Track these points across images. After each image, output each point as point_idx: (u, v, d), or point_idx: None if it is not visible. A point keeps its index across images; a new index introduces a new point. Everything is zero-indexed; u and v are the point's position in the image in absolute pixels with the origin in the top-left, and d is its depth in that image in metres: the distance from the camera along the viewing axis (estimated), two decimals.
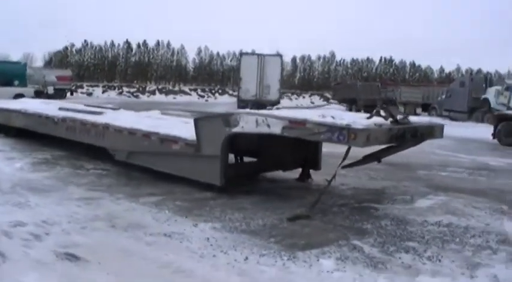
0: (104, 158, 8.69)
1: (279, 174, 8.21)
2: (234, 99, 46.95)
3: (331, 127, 5.63)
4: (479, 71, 62.77)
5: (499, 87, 27.50)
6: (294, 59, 70.32)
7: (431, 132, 6.94)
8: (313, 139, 6.04)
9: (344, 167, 6.49)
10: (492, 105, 27.12)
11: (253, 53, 24.86)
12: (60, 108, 11.05)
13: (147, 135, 7.80)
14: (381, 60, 70.53)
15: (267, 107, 8.09)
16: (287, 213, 5.94)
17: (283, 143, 7.17)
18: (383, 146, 6.82)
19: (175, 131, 7.69)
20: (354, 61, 70.41)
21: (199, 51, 70.55)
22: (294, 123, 5.94)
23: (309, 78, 70.69)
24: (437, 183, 8.72)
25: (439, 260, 4.70)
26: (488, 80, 30.51)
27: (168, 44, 69.03)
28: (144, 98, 46.38)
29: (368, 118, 6.19)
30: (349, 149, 6.01)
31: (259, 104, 24.13)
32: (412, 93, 37.22)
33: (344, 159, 6.18)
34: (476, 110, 28.60)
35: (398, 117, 6.31)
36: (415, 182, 8.71)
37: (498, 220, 6.36)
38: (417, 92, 37.44)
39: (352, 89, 37.73)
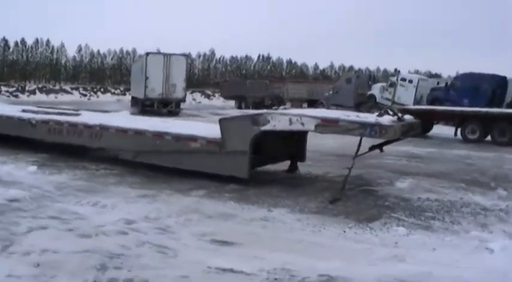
0: (98, 158, 9.13)
1: (268, 167, 9.16)
2: (117, 98, 46.89)
3: (363, 124, 6.81)
4: (351, 68, 68.91)
5: (383, 84, 31.07)
6: None
7: (417, 127, 8.45)
8: (346, 134, 7.14)
9: (355, 156, 7.74)
10: (378, 100, 30.65)
11: (159, 53, 25.48)
12: (23, 110, 10.80)
13: (158, 135, 8.28)
14: (259, 57, 73.76)
15: (273, 108, 8.78)
16: (316, 198, 6.96)
17: (276, 139, 8.18)
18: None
19: (185, 130, 8.32)
20: (233, 58, 72.74)
21: (80, 49, 67.95)
22: (327, 121, 7.01)
23: (190, 75, 71.33)
24: (395, 169, 10.34)
25: (460, 223, 6.11)
26: (372, 77, 34.06)
27: (48, 42, 65.69)
28: (24, 97, 43.67)
29: (378, 116, 7.46)
30: (361, 141, 7.28)
31: (165, 102, 24.71)
32: (298, 90, 40.05)
33: (358, 150, 7.44)
34: (362, 104, 31.89)
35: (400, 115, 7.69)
36: (377, 169, 10.22)
37: (465, 195, 7.98)
38: (302, 89, 40.36)
39: (241, 86, 39.53)
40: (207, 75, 68.79)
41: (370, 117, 7.07)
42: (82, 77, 66.13)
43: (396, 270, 4.28)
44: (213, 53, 72.00)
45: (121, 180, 7.59)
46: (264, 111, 7.73)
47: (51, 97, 45.61)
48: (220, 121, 7.80)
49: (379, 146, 8.25)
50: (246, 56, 72.56)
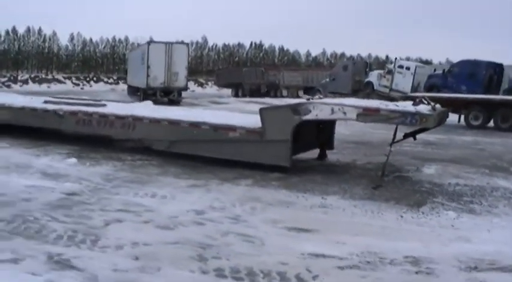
0: (129, 149, 9.29)
1: (300, 155, 9.30)
2: (110, 87, 46.57)
3: (404, 113, 6.99)
4: (343, 54, 69.15)
5: (381, 71, 31.33)
6: None
7: (447, 115, 8.64)
8: (386, 123, 7.31)
9: (391, 144, 7.95)
10: (375, 88, 30.91)
11: (160, 42, 25.33)
12: (45, 101, 10.79)
13: (195, 124, 8.37)
14: (251, 45, 73.56)
15: (307, 98, 8.90)
16: (358, 184, 7.15)
17: (309, 128, 8.33)
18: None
19: (219, 120, 8.44)
20: (225, 46, 72.38)
21: (72, 37, 67.14)
22: (368, 110, 7.17)
23: None
24: (416, 156, 10.57)
25: (497, 207, 6.36)
26: (369, 64, 34.27)
27: (40, 31, 64.73)
28: (16, 87, 43.09)
29: (414, 105, 7.63)
30: (396, 130, 7.48)
31: (167, 90, 24.72)
32: (294, 78, 40.15)
33: (394, 138, 7.65)
34: (359, 91, 32.12)
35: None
36: (400, 156, 10.43)
37: (491, 180, 8.20)
38: (298, 76, 40.48)
39: (237, 74, 39.48)
40: (200, 63, 68.45)
41: (408, 106, 7.23)
42: (74, 66, 65.25)
43: (467, 249, 4.53)
44: (205, 40, 71.73)
45: (163, 170, 7.67)
46: (307, 101, 7.82)
47: (44, 87, 45.01)
48: (261, 111, 7.93)
49: (413, 134, 8.42)
50: (239, 44, 72.59)
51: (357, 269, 3.93)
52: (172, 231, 4.66)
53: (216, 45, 72.21)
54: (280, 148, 7.70)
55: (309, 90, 39.13)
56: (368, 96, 31.32)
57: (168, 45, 24.72)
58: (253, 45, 73.37)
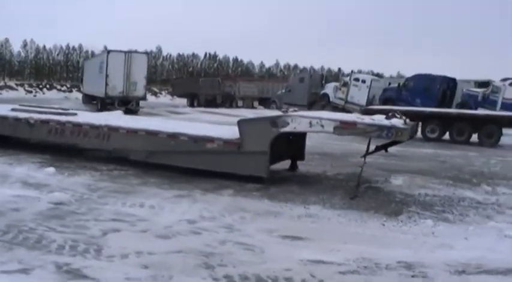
0: (100, 158, 9.29)
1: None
2: (64, 95, 45.44)
3: (380, 127, 7.35)
4: (296, 66, 70.38)
5: (337, 84, 32.20)
6: None
7: (417, 129, 9.11)
8: (363, 136, 7.65)
9: (364, 155, 8.31)
10: (331, 99, 31.73)
11: (120, 51, 25.08)
12: (13, 109, 10.56)
13: (173, 135, 8.46)
14: (205, 55, 73.71)
15: (282, 110, 9.04)
16: (334, 195, 7.43)
17: (282, 139, 8.61)
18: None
19: (198, 131, 8.57)
20: (180, 56, 72.19)
21: (25, 44, 65.15)
22: (345, 124, 7.50)
23: None
24: (381, 167, 11.00)
25: (468, 215, 6.79)
26: (324, 77, 35.15)
27: None
28: None
29: (387, 118, 8.03)
30: (369, 142, 7.87)
31: (125, 100, 24.54)
32: (249, 88, 40.66)
33: (367, 151, 8.03)
34: (315, 103, 32.87)
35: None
36: (366, 167, 10.81)
37: (456, 190, 8.71)
38: (253, 87, 41.01)
39: (193, 84, 39.55)
40: (154, 72, 67.99)
41: (383, 120, 7.61)
42: (27, 73, 63.30)
43: (453, 255, 4.86)
44: (159, 50, 71.32)
45: (143, 181, 7.70)
46: (285, 114, 8.07)
47: None
48: (239, 123, 8.10)
49: (385, 147, 8.81)
50: (193, 54, 72.66)
51: (357, 274, 4.17)
52: (172, 241, 4.75)
53: (171, 55, 72.09)
54: (258, 159, 7.90)
55: (265, 101, 39.71)
56: (323, 108, 32.12)
57: (128, 54, 24.60)
58: (208, 55, 73.67)
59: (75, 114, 10.10)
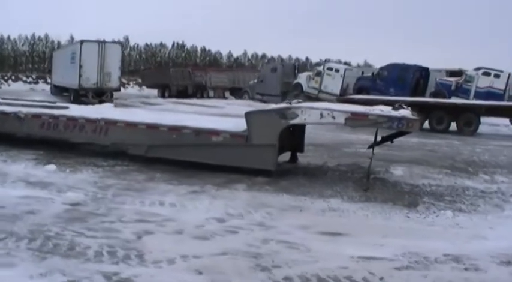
0: (97, 153, 8.93)
1: None
2: (30, 86, 43.76)
3: (391, 118, 7.29)
4: (263, 56, 70.14)
5: (310, 73, 32.16)
6: None
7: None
8: (374, 127, 7.55)
9: (372, 146, 8.26)
10: (304, 89, 31.67)
11: (93, 41, 24.26)
12: None
13: (175, 128, 8.17)
14: (173, 45, 72.54)
15: (286, 101, 8.79)
16: (347, 187, 7.35)
17: (283, 132, 8.47)
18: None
19: (201, 124, 8.32)
20: (147, 46, 70.78)
21: None
22: (357, 115, 7.40)
23: None
24: (377, 157, 10.89)
25: (479, 205, 6.83)
26: (297, 66, 35.06)
27: None
28: None
29: (394, 109, 7.98)
30: (376, 133, 7.81)
31: (99, 91, 23.87)
32: (220, 79, 40.13)
33: (375, 141, 7.96)
34: (288, 93, 32.77)
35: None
36: (361, 158, 10.82)
37: (456, 180, 8.79)
38: (224, 77, 40.51)
39: (164, 75, 38.77)
40: (121, 62, 66.40)
41: (391, 111, 7.54)
42: None
43: (490, 246, 4.85)
44: (127, 40, 69.67)
45: (149, 176, 7.41)
46: (295, 105, 7.89)
47: None
48: (247, 115, 7.88)
49: (391, 138, 8.73)
50: (161, 44, 71.27)
51: (412, 269, 4.08)
52: (212, 242, 4.55)
53: (138, 45, 70.55)
54: (266, 152, 7.72)
55: (236, 92, 39.35)
56: (296, 97, 32.09)
57: (101, 44, 23.84)
58: (176, 45, 72.54)
59: (67, 107, 9.65)
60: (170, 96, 35.71)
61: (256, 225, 5.13)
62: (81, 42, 23.78)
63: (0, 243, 4.17)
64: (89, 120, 8.66)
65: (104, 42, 24.46)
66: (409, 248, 4.56)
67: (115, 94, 25.50)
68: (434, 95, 23.68)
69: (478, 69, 23.08)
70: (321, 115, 7.48)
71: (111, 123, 8.56)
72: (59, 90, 27.95)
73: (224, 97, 39.17)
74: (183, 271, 3.78)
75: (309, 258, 4.18)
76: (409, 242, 4.80)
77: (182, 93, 36.16)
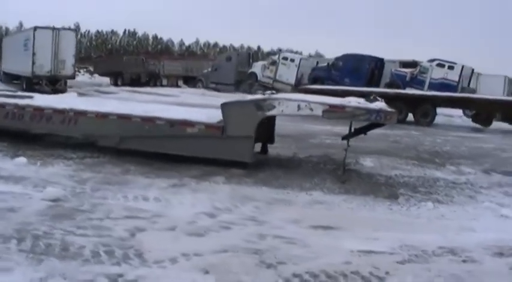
0: (60, 144, 8.64)
1: None
2: None
3: (369, 110, 7.38)
4: (215, 44, 69.48)
5: (265, 62, 32.19)
6: None
7: None
8: (352, 120, 7.60)
9: (344, 138, 8.36)
10: (259, 78, 31.75)
11: (47, 27, 23.32)
12: None
13: (148, 119, 7.96)
14: (124, 32, 70.74)
15: (265, 92, 8.53)
16: (324, 179, 7.37)
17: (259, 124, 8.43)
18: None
19: (174, 114, 8.14)
20: (98, 33, 68.59)
21: None
22: (334, 107, 7.44)
23: None
24: (349, 149, 11.10)
25: (453, 196, 7.03)
26: (251, 55, 34.98)
27: None
28: None
29: (367, 101, 8.08)
30: (351, 125, 7.90)
31: (53, 79, 23.07)
32: (174, 67, 39.60)
33: (349, 133, 8.04)
34: (242, 82, 32.74)
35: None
36: (329, 149, 10.95)
37: (425, 171, 8.98)
38: (178, 66, 39.99)
39: (117, 63, 37.87)
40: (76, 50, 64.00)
41: (366, 103, 7.62)
42: None
43: (479, 238, 4.98)
44: (78, 27, 67.09)
45: (124, 169, 7.18)
46: (268, 96, 7.83)
47: None
48: (223, 106, 7.76)
49: (364, 130, 8.83)
50: (112, 31, 69.25)
51: (413, 262, 4.15)
52: (208, 238, 4.45)
53: (89, 32, 68.23)
54: (243, 144, 7.64)
55: (189, 80, 38.91)
56: (251, 87, 32.13)
57: (55, 31, 23.00)
58: (127, 32, 70.72)
59: (31, 97, 9.18)
60: (123, 85, 34.87)
61: (248, 219, 5.07)
62: (35, 28, 22.82)
63: None
64: (57, 111, 8.27)
65: (59, 29, 23.62)
66: (404, 241, 4.63)
67: (68, 82, 24.65)
68: (389, 85, 24.26)
69: (432, 60, 23.81)
70: (299, 107, 7.47)
71: (80, 113, 8.21)
72: (9, 78, 26.79)
73: (177, 85, 38.70)
74: (189, 270, 3.67)
75: (310, 254, 4.16)
76: (401, 234, 4.88)
77: (135, 82, 35.41)
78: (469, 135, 16.19)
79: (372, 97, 8.21)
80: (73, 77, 24.31)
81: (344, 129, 14.36)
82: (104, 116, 8.14)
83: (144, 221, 4.80)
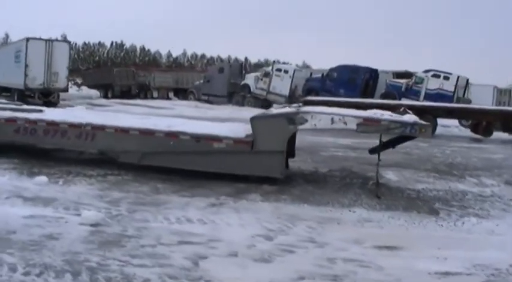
0: (77, 161, 8.30)
1: None
2: None
3: (404, 123, 7.17)
4: (203, 56, 69.18)
5: (258, 74, 31.91)
6: None
7: None
8: (386, 133, 7.36)
9: (371, 152, 8.15)
10: (252, 90, 31.42)
11: (40, 39, 22.80)
12: None
13: (172, 134, 7.63)
14: (112, 44, 70.13)
15: (291, 105, 8.31)
16: (358, 194, 7.14)
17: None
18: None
19: (197, 129, 7.83)
20: (85, 45, 67.84)
21: None
22: (369, 121, 7.21)
23: None
24: (360, 162, 10.88)
25: (488, 210, 6.81)
26: (244, 67, 34.72)
27: None
28: None
29: (398, 113, 7.87)
30: (381, 138, 7.66)
31: (46, 92, 22.56)
32: (165, 79, 39.16)
33: (380, 147, 7.80)
34: (235, 94, 32.44)
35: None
36: (345, 162, 10.72)
37: (448, 183, 8.75)
38: (169, 77, 39.57)
39: (107, 75, 37.36)
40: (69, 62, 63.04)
41: (404, 117, 7.41)
42: None
43: None
44: (65, 38, 66.22)
45: (152, 187, 6.85)
46: (299, 109, 7.56)
47: None
48: (253, 119, 7.48)
49: (393, 144, 8.57)
50: (99, 43, 68.54)
51: None
52: (277, 264, 4.16)
53: (76, 44, 67.41)
54: (273, 159, 7.38)
55: (180, 92, 38.49)
56: (244, 99, 31.87)
57: (48, 42, 22.48)
58: (114, 44, 70.12)
59: (41, 110, 8.75)
60: (113, 97, 34.35)
61: (308, 241, 4.79)
62: (27, 39, 22.25)
63: (41, 281, 3.52)
64: (73, 125, 7.88)
65: (51, 40, 23.18)
66: (473, 260, 4.41)
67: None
68: (384, 96, 24.16)
69: (427, 71, 23.81)
70: (332, 120, 7.24)
71: (98, 128, 7.83)
72: None
73: (168, 98, 38.23)
74: None
75: (390, 278, 3.91)
76: (466, 253, 4.68)
77: (126, 94, 34.93)
78: (472, 145, 16.10)
79: (402, 109, 8.03)
80: (66, 89, 23.80)
81: (350, 142, 14.33)
82: (124, 131, 7.78)
83: (199, 246, 4.47)
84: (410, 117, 7.41)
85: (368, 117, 7.28)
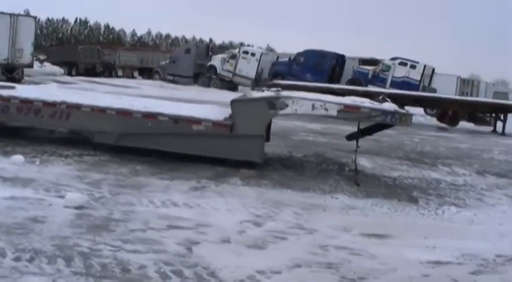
0: (48, 140, 8.02)
1: None
2: None
3: (384, 112, 7.24)
4: (168, 36, 67.82)
5: (224, 55, 31.62)
6: None
7: None
8: (367, 121, 7.43)
9: (348, 138, 8.25)
10: (218, 71, 31.19)
11: (4, 13, 21.73)
12: None
13: (151, 115, 7.47)
14: (76, 21, 67.67)
15: (262, 89, 8.10)
16: (338, 181, 7.15)
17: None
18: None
19: (176, 111, 7.71)
20: (49, 21, 65.11)
21: None
22: (350, 108, 7.26)
23: None
24: (332, 147, 11.01)
25: (464, 199, 7.03)
26: (210, 48, 34.31)
27: None
28: None
29: (377, 102, 7.95)
30: (359, 126, 7.75)
31: (10, 67, 21.72)
32: (130, 58, 38.37)
33: (358, 134, 7.89)
34: (201, 75, 32.12)
35: None
36: (316, 147, 10.80)
37: (421, 172, 8.89)
38: (134, 57, 38.79)
39: (72, 52, 36.31)
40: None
41: (385, 105, 7.48)
42: None
43: None
44: (27, 13, 63.30)
45: (131, 169, 6.71)
46: (286, 94, 7.52)
47: None
48: (233, 103, 7.40)
49: (370, 131, 8.66)
50: (63, 19, 65.94)
51: (487, 273, 4.06)
52: (270, 251, 4.14)
53: (39, 20, 64.74)
54: (253, 143, 7.34)
55: (145, 71, 37.83)
56: (210, 80, 31.62)
57: (13, 17, 21.51)
58: (79, 21, 67.70)
59: (13, 87, 8.38)
60: (78, 74, 33.43)
61: (297, 228, 4.80)
62: None
63: (34, 267, 3.38)
64: (47, 103, 7.58)
65: (17, 15, 22.19)
66: (461, 250, 4.52)
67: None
68: (351, 82, 24.42)
69: (394, 59, 24.17)
70: (313, 106, 7.23)
71: (73, 107, 7.57)
72: None
73: (133, 77, 37.51)
74: None
75: (384, 266, 3.96)
76: (452, 242, 4.80)
77: (90, 72, 34.03)
78: (440, 134, 16.56)
79: (381, 97, 8.10)
80: (31, 65, 23.03)
81: (318, 127, 14.41)
82: (101, 111, 7.55)
83: (190, 231, 4.41)
84: (390, 106, 7.50)
85: (349, 104, 7.32)
